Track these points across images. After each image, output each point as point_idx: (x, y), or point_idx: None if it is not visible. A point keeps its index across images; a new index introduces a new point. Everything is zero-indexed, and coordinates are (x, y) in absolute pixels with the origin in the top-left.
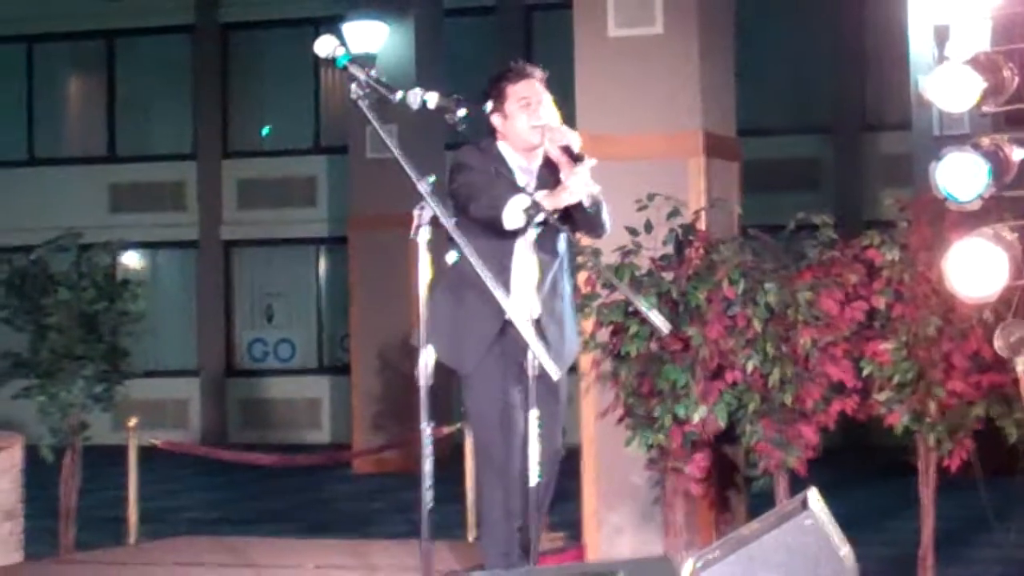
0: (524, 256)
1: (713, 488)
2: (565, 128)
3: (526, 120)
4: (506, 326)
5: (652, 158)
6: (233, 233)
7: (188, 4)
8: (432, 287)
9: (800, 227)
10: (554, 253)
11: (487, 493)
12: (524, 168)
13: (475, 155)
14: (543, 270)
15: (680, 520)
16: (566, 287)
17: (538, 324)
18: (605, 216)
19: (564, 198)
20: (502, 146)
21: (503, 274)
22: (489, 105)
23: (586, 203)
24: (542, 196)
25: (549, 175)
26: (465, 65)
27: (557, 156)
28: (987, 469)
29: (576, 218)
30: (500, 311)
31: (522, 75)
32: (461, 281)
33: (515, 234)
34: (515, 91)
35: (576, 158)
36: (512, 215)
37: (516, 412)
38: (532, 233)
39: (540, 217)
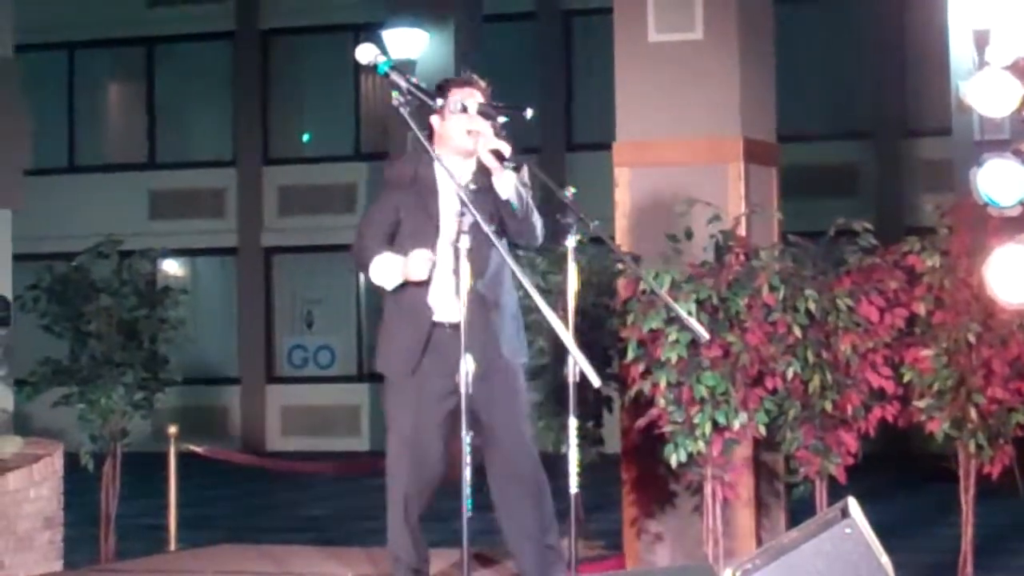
0: (452, 262)
1: (753, 496)
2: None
3: (461, 124)
4: (433, 334)
5: (691, 164)
6: (273, 240)
7: (228, 11)
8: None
9: (840, 233)
10: (485, 262)
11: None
12: (457, 170)
13: (400, 168)
14: (474, 277)
15: (719, 528)
16: (505, 298)
17: (458, 328)
18: (536, 222)
19: (496, 184)
20: (438, 150)
21: (422, 285)
22: (441, 102)
23: (513, 200)
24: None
25: (481, 180)
26: (505, 71)
27: (489, 161)
28: None
29: (507, 223)
30: (428, 318)
31: (466, 83)
32: (393, 292)
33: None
34: (456, 96)
35: (503, 159)
36: (379, 274)
37: (433, 429)
38: (465, 240)
39: (469, 220)
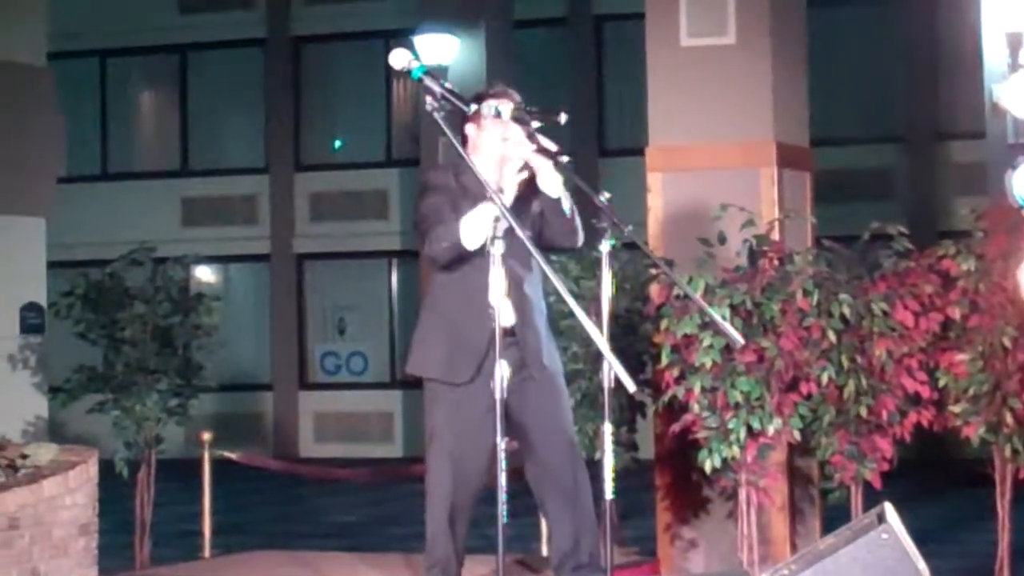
0: (495, 267)
1: (788, 501)
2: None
3: (497, 131)
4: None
5: (724, 168)
6: (305, 246)
7: (260, 18)
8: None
9: (874, 237)
10: (526, 267)
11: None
12: (493, 177)
13: (440, 175)
14: (514, 280)
15: (754, 534)
16: (541, 303)
17: (513, 331)
18: (578, 223)
19: (545, 184)
20: (473, 158)
21: (482, 287)
22: (475, 107)
23: (565, 205)
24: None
25: (522, 187)
26: (536, 76)
27: (536, 161)
28: None
29: (552, 222)
30: (488, 324)
31: (501, 94)
32: (446, 295)
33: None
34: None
35: (556, 155)
36: (470, 232)
37: (480, 437)
38: (500, 245)
39: (504, 225)
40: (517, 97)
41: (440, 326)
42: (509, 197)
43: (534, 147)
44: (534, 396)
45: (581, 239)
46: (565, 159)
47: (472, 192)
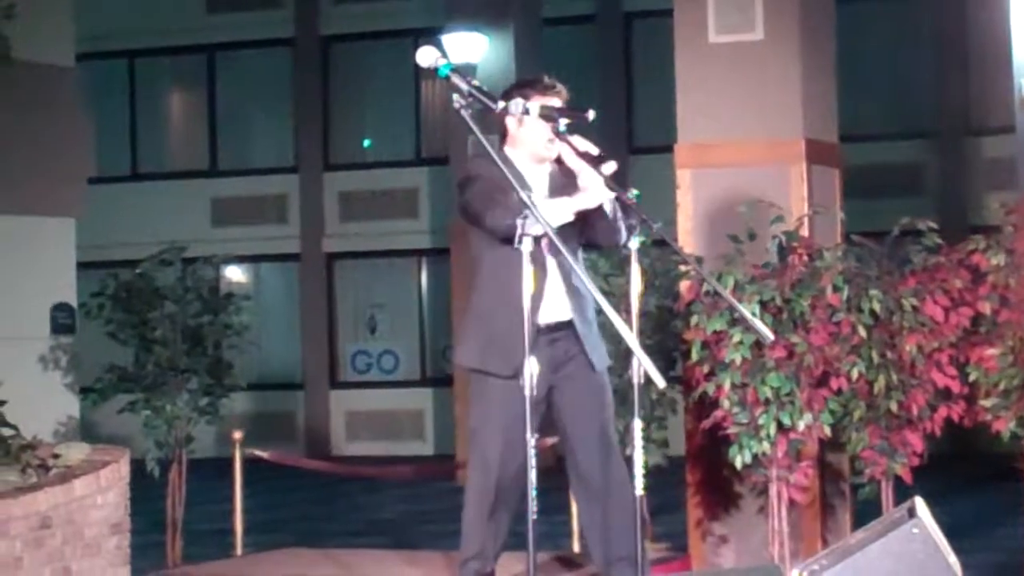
0: (541, 260)
1: (818, 497)
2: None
3: (539, 129)
4: (539, 334)
5: (753, 165)
6: (335, 245)
7: (288, 17)
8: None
9: (904, 233)
10: (574, 255)
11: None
12: (531, 174)
13: (484, 165)
14: (563, 273)
15: (785, 529)
16: (591, 297)
17: (572, 326)
18: (621, 223)
19: (585, 200)
20: (511, 153)
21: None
22: (503, 105)
23: (607, 207)
24: (560, 202)
25: (559, 183)
26: (565, 74)
27: (577, 165)
28: None
29: (596, 225)
30: (535, 317)
31: (550, 89)
32: (494, 287)
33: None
34: (539, 101)
35: (598, 161)
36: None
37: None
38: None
39: (536, 230)
40: (564, 92)
41: (487, 317)
42: (542, 192)
43: (577, 151)
44: (576, 393)
45: (624, 237)
46: (612, 165)
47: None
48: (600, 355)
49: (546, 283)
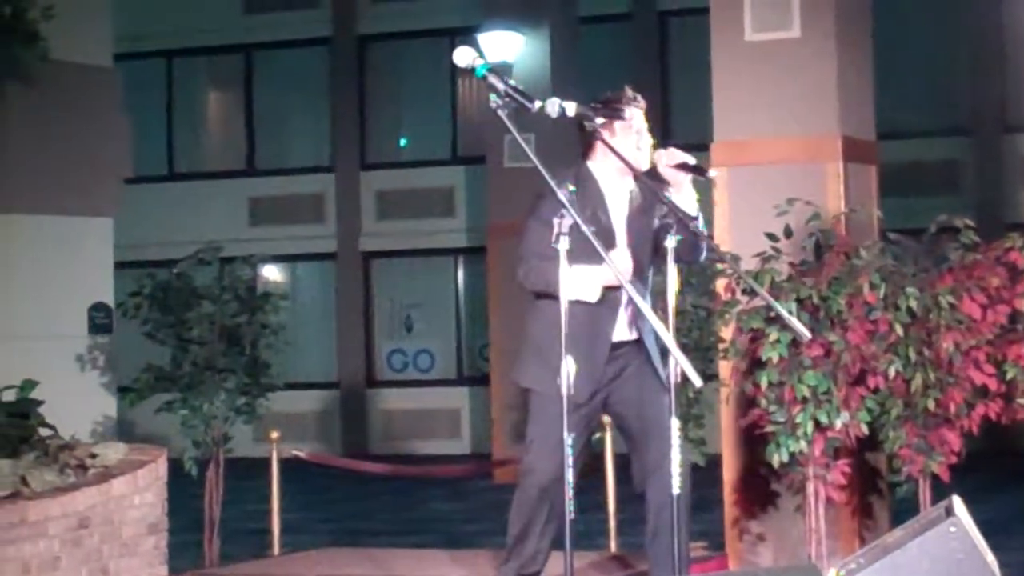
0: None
1: (856, 495)
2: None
3: (631, 141)
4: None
5: (790, 163)
6: (372, 244)
7: (325, 17)
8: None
9: (941, 230)
10: (642, 279)
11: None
12: (614, 186)
13: (552, 207)
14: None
15: (822, 528)
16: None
17: (639, 342)
18: (704, 241)
19: (683, 201)
20: (593, 167)
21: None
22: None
23: (699, 221)
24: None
25: (637, 203)
26: (601, 73)
27: (672, 176)
28: None
29: (686, 239)
30: (608, 338)
31: (636, 103)
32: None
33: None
34: (630, 115)
35: (696, 170)
36: (572, 288)
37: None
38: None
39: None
40: (643, 104)
41: (557, 340)
42: (622, 210)
43: (674, 160)
44: (635, 388)
45: (704, 254)
46: (712, 174)
47: (591, 200)
48: (660, 363)
49: (620, 304)
